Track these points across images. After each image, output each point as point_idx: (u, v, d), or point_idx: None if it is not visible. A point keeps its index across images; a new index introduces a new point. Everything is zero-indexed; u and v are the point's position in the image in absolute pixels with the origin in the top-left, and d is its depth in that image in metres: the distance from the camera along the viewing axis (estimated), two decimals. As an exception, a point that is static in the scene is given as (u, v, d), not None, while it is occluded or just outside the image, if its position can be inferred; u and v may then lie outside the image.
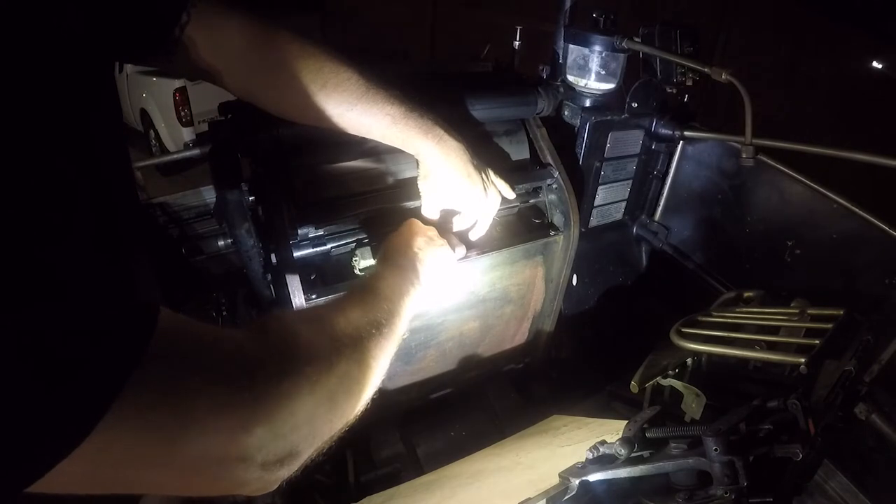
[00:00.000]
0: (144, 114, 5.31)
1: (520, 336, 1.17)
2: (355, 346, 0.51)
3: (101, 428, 0.29)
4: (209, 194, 1.24)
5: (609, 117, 1.16)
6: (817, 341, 0.77)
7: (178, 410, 0.34)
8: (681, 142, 1.28)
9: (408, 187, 0.89)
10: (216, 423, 0.36)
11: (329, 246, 0.85)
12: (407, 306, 0.64)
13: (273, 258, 0.83)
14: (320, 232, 0.84)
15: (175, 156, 1.34)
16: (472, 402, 1.18)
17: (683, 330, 0.91)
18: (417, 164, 0.77)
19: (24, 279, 0.27)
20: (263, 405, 0.39)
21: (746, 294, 1.08)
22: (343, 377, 0.48)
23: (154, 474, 0.35)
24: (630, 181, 1.29)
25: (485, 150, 0.92)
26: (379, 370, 0.55)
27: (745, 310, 0.99)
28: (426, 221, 0.79)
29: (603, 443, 0.65)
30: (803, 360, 0.74)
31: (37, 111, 0.32)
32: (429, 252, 0.72)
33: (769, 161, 1.11)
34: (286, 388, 0.41)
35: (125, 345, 0.32)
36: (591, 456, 0.65)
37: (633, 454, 0.64)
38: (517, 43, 1.17)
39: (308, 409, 0.43)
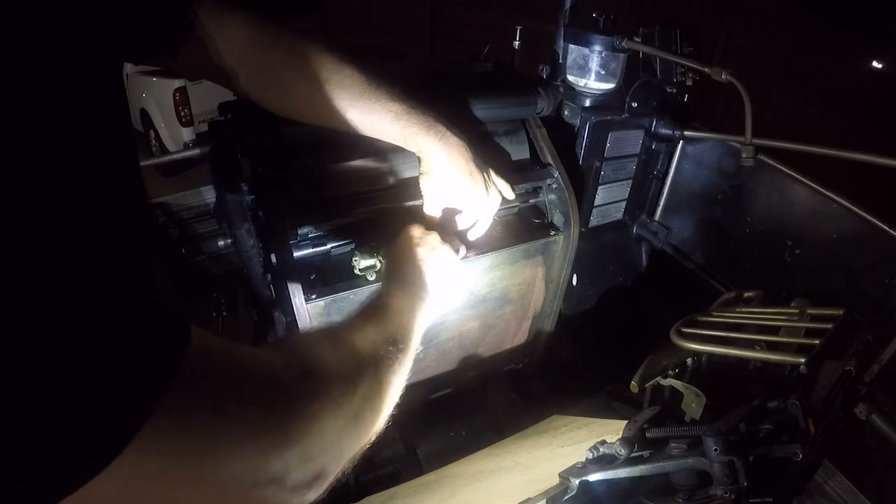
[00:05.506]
0: (144, 114, 5.29)
1: (520, 336, 1.17)
2: (376, 365, 0.51)
3: (134, 445, 0.28)
4: (209, 194, 1.24)
5: (609, 117, 1.15)
6: (817, 341, 0.77)
7: (211, 430, 0.33)
8: (681, 142, 1.28)
9: (408, 187, 0.89)
10: (249, 444, 0.35)
11: (329, 246, 0.85)
12: (419, 320, 0.64)
13: (273, 258, 0.83)
14: (320, 232, 0.84)
15: (175, 156, 1.33)
16: (472, 402, 1.18)
17: (683, 330, 0.91)
18: (419, 163, 0.77)
19: (52, 290, 0.26)
20: (295, 427, 0.38)
21: (746, 294, 1.08)
22: (366, 396, 0.48)
23: (185, 495, 0.34)
24: (630, 181, 1.29)
25: (485, 149, 0.92)
26: (397, 386, 0.55)
27: (745, 310, 0.99)
28: (426, 220, 0.79)
29: (603, 443, 0.65)
30: (803, 360, 0.74)
31: (49, 113, 0.31)
32: (432, 261, 0.72)
33: (769, 161, 1.11)
34: (315, 409, 0.40)
35: (159, 359, 0.31)
36: (591, 456, 0.65)
37: (633, 454, 0.63)
38: (517, 43, 1.17)
39: (336, 429, 0.43)
